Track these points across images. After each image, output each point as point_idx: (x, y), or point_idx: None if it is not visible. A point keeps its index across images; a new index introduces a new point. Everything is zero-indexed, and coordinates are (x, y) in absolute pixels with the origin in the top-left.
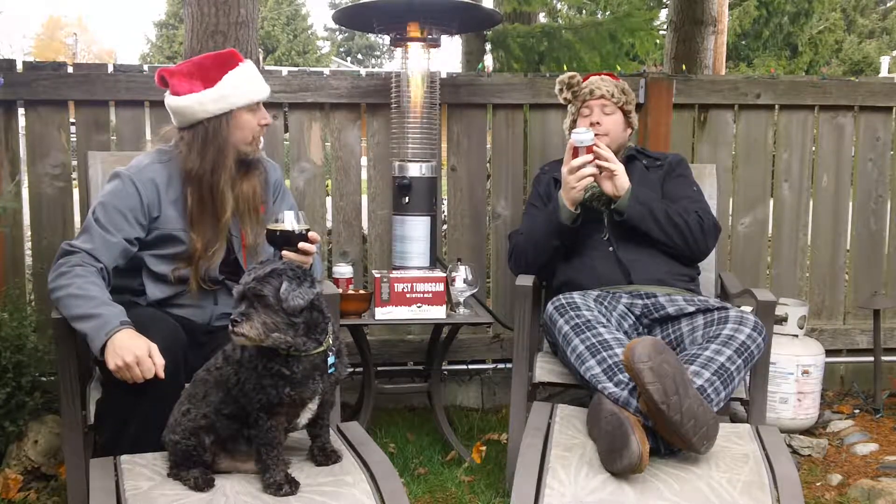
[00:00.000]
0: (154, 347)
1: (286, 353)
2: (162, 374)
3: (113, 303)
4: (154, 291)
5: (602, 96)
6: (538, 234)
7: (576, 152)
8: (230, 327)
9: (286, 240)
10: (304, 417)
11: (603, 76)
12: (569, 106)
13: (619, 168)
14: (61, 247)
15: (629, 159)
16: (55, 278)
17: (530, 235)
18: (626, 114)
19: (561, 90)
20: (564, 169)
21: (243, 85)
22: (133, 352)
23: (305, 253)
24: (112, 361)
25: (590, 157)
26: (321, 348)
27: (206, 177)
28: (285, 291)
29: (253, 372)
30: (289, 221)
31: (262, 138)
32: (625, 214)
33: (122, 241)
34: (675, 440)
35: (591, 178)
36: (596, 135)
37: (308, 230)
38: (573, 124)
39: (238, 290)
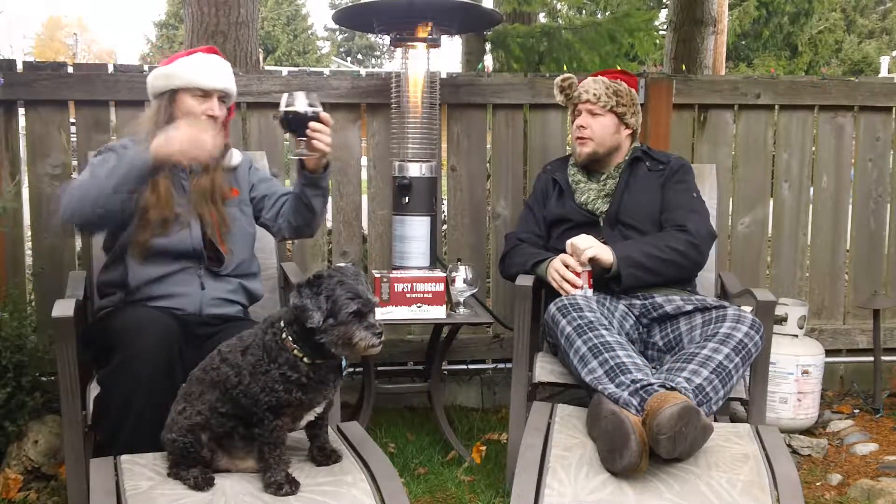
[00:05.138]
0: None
1: (311, 363)
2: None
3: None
4: (138, 273)
5: (588, 100)
6: (517, 266)
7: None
8: (378, 339)
9: (298, 122)
10: (307, 418)
11: (598, 77)
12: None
13: (587, 265)
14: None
15: (634, 161)
16: (66, 204)
17: (513, 258)
18: (618, 115)
19: (557, 92)
20: (558, 262)
21: (189, 70)
22: (177, 129)
23: (314, 139)
24: (166, 150)
25: (579, 282)
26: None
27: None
28: None
29: (262, 376)
30: (300, 103)
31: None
32: (622, 282)
33: None
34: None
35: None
36: (579, 138)
37: (318, 112)
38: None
39: (370, 304)
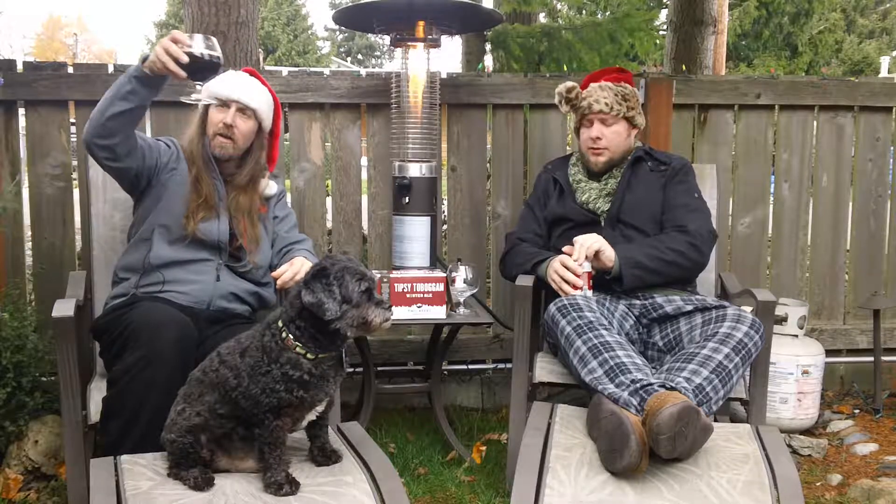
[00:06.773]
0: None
1: (315, 357)
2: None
3: None
4: (160, 253)
5: (601, 111)
6: (518, 266)
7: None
8: (390, 312)
9: (199, 67)
10: (308, 418)
11: (604, 83)
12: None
13: (587, 262)
14: None
15: (636, 161)
16: (86, 126)
17: (513, 258)
18: (628, 120)
19: (560, 102)
20: (558, 263)
21: (214, 83)
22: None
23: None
24: (154, 55)
25: (579, 282)
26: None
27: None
28: None
29: (261, 378)
30: (197, 45)
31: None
32: (625, 283)
33: (140, 144)
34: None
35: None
36: (591, 149)
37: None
38: (578, 128)
39: (374, 280)
